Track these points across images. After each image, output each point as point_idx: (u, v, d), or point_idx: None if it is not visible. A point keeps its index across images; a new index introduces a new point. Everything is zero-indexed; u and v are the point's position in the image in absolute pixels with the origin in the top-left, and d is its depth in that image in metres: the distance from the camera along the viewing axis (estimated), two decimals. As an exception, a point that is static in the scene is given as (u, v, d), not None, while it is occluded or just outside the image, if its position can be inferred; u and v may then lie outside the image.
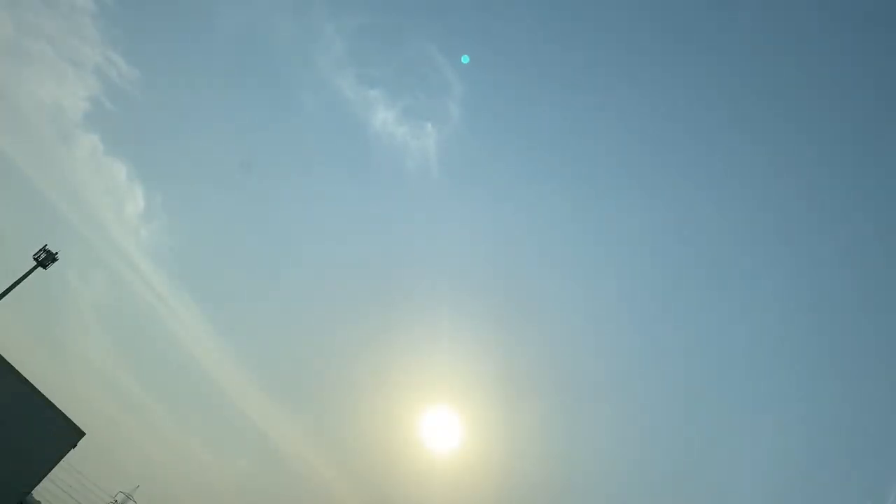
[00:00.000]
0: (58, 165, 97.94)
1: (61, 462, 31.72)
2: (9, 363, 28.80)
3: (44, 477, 31.10)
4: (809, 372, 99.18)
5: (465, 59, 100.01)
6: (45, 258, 40.50)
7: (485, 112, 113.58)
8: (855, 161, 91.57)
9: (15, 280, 36.95)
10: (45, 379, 27.52)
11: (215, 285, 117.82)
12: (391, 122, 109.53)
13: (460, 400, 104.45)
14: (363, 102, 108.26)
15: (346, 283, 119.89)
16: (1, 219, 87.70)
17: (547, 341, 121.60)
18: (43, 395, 30.64)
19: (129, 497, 69.15)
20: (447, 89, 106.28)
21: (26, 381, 29.90)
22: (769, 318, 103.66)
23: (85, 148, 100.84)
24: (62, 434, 31.47)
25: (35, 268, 39.50)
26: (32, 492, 30.91)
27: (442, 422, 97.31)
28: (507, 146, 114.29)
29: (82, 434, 32.76)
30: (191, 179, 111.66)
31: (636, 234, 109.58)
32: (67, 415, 31.65)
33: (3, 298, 33.95)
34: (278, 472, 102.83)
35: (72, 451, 31.95)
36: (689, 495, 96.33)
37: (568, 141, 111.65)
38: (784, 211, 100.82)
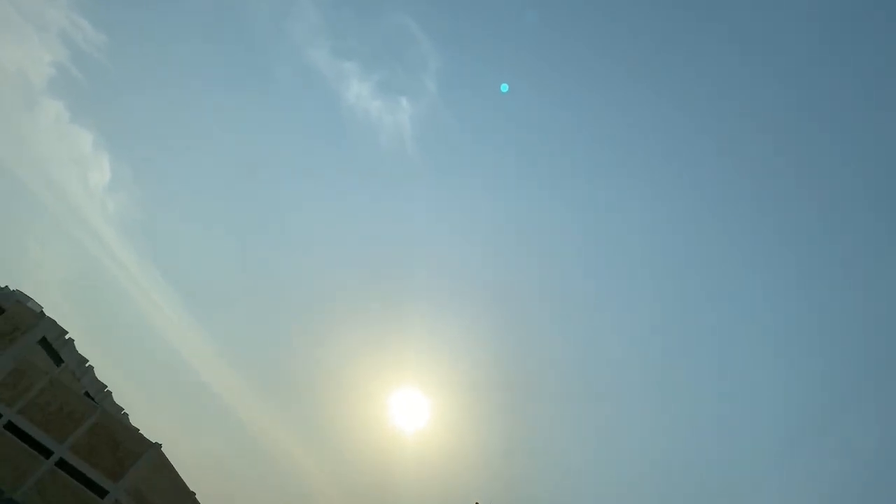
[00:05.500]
0: (21, 132, 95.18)
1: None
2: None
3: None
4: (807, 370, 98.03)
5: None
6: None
7: (462, 88, 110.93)
8: (856, 158, 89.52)
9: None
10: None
11: (184, 259, 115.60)
12: (366, 95, 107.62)
13: (431, 385, 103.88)
14: (338, 75, 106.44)
15: (318, 260, 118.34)
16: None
17: (526, 331, 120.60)
18: None
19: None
20: (423, 63, 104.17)
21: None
22: (765, 317, 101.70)
23: (49, 115, 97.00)
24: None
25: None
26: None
27: (411, 405, 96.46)
28: (484, 124, 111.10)
29: None
30: (159, 150, 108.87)
31: (624, 222, 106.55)
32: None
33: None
34: (249, 452, 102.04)
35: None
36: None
37: (550, 120, 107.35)
38: (784, 209, 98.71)
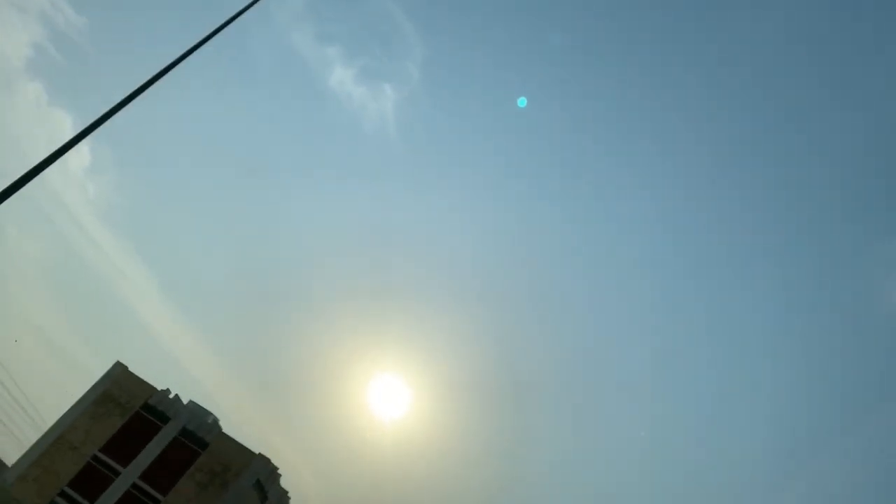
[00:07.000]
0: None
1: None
2: None
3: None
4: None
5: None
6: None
7: (446, 76, 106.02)
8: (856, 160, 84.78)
9: None
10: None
11: (165, 243, 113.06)
12: (349, 81, 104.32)
13: (422, 382, 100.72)
14: (321, 60, 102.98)
15: (297, 246, 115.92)
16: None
17: (517, 331, 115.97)
18: None
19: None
20: (408, 51, 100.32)
21: None
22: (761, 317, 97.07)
23: (28, 96, 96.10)
24: None
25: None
26: None
27: (389, 392, 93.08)
28: (470, 114, 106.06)
29: None
30: (140, 134, 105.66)
31: (619, 221, 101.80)
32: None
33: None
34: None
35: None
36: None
37: (539, 114, 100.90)
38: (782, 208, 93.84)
